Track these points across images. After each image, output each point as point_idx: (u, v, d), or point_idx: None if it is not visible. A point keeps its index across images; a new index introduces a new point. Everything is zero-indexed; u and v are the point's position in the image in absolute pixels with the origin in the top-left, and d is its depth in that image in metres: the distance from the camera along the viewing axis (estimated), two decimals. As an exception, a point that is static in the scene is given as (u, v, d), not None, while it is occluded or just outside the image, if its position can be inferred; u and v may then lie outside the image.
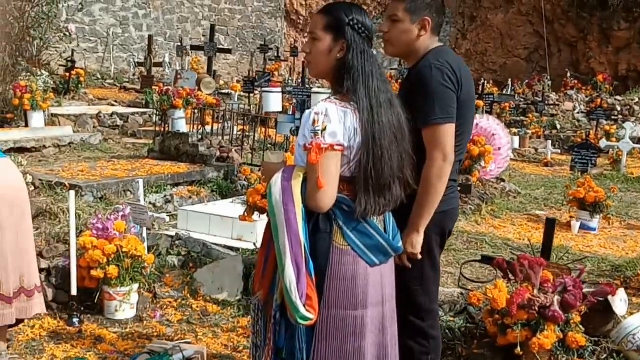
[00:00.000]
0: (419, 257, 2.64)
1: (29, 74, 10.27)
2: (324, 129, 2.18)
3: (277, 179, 2.24)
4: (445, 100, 2.59)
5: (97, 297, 4.06)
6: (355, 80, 2.27)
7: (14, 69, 9.73)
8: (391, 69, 19.53)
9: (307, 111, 2.27)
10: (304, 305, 2.15)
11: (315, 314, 2.18)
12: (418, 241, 2.62)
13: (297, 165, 2.30)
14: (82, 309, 4.02)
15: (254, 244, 4.90)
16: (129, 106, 12.17)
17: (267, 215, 2.30)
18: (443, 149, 2.57)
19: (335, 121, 2.20)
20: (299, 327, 2.22)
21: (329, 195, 2.20)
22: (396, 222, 2.44)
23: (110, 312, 4.01)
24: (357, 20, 2.31)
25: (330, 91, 2.44)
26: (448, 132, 2.59)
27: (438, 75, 2.59)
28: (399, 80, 14.42)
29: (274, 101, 10.17)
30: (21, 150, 7.95)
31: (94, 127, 10.16)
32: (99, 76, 15.43)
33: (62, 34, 11.44)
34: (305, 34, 22.18)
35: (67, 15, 14.45)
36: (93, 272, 3.96)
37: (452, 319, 3.85)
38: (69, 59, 12.60)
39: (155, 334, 3.83)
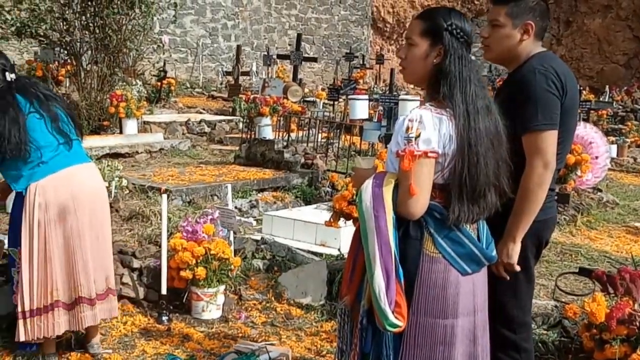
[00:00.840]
0: (517, 268, 2.56)
1: (124, 83, 10.73)
2: (418, 136, 2.16)
3: (367, 185, 2.22)
4: (549, 106, 2.51)
5: (185, 297, 4.17)
6: (452, 86, 2.24)
7: (111, 78, 10.21)
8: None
9: (401, 117, 2.25)
10: (393, 312, 2.12)
11: (404, 321, 2.16)
12: (515, 251, 2.54)
13: (388, 171, 2.28)
14: (171, 307, 4.13)
15: (338, 249, 4.90)
16: (216, 114, 12.51)
17: (354, 222, 2.29)
18: (544, 156, 2.48)
19: (429, 128, 2.17)
20: (387, 334, 2.21)
21: (421, 202, 2.17)
22: (490, 230, 2.37)
23: (197, 311, 4.11)
24: (455, 25, 2.27)
25: (418, 98, 2.40)
26: (550, 139, 2.50)
27: (542, 80, 2.51)
28: (491, 87, 14.07)
29: (360, 108, 10.20)
30: (116, 155, 8.30)
31: (183, 134, 10.50)
32: (188, 85, 15.95)
33: (155, 45, 11.89)
34: (392, 42, 22.13)
35: (160, 27, 15.05)
36: (182, 273, 4.06)
37: (545, 332, 3.71)
38: (161, 69, 13.09)
39: (240, 334, 3.89)
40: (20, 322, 3.24)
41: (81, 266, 3.30)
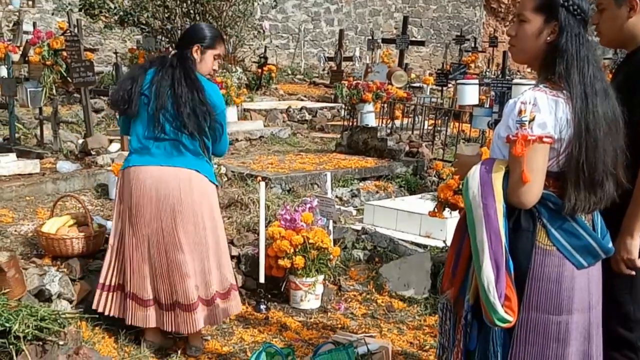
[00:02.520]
0: (639, 263, 2.44)
1: (224, 70, 11.05)
2: (532, 119, 2.11)
3: (475, 172, 2.18)
4: None
5: (283, 286, 4.26)
6: (570, 65, 2.17)
7: (211, 65, 10.55)
8: (605, 58, 18.19)
9: (511, 100, 2.21)
10: (502, 306, 2.09)
11: (514, 316, 2.12)
12: (634, 245, 2.47)
13: (497, 158, 2.22)
14: (269, 296, 4.24)
15: (444, 241, 4.84)
16: (318, 101, 12.62)
17: (460, 213, 2.25)
18: None
19: (545, 111, 2.11)
20: (494, 330, 2.18)
21: (534, 190, 2.12)
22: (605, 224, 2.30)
23: (295, 301, 4.19)
24: (572, 1, 2.19)
25: (533, 82, 2.32)
26: None
27: None
28: (613, 70, 13.36)
29: (470, 94, 9.91)
30: (216, 143, 8.57)
31: (283, 121, 10.69)
32: (289, 72, 16.20)
33: (256, 31, 12.17)
34: (506, 23, 21.45)
35: (261, 13, 15.38)
36: (280, 262, 4.15)
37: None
38: (262, 55, 13.39)
39: (339, 325, 3.93)
40: (97, 291, 3.62)
41: (160, 272, 3.44)
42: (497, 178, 2.14)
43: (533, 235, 2.16)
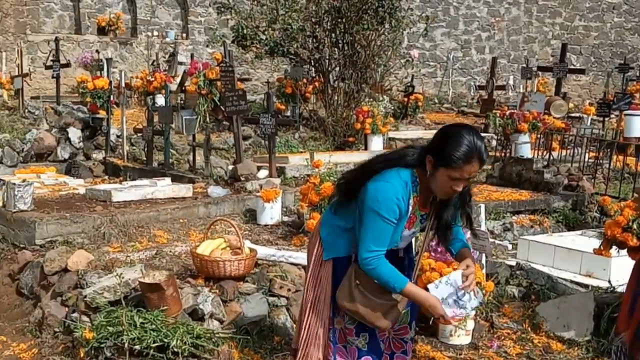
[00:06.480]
0: None
1: (371, 99, 11.29)
2: None
3: None
4: None
5: (432, 319, 4.25)
6: None
7: (358, 94, 10.83)
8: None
9: None
10: None
11: None
12: None
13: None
14: (417, 329, 4.24)
15: (608, 281, 4.65)
16: (468, 131, 12.52)
17: (629, 251, 2.19)
18: None
19: None
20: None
21: None
22: None
23: (444, 335, 4.18)
24: None
25: None
26: None
27: None
28: None
29: (638, 125, 9.55)
30: (361, 172, 8.75)
31: (431, 151, 10.70)
32: (436, 100, 16.20)
33: (404, 60, 12.34)
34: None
35: (408, 41, 15.56)
36: (429, 293, 4.16)
37: None
38: (409, 84, 13.51)
39: (492, 364, 3.88)
40: None
41: None
42: None
43: None
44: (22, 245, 5.45)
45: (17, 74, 11.80)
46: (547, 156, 8.55)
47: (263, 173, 7.14)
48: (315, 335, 3.11)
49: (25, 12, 15.20)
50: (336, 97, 10.84)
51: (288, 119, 10.74)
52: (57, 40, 12.32)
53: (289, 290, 4.47)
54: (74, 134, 9.90)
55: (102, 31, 15.95)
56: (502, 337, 4.24)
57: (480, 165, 2.81)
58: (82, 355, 3.84)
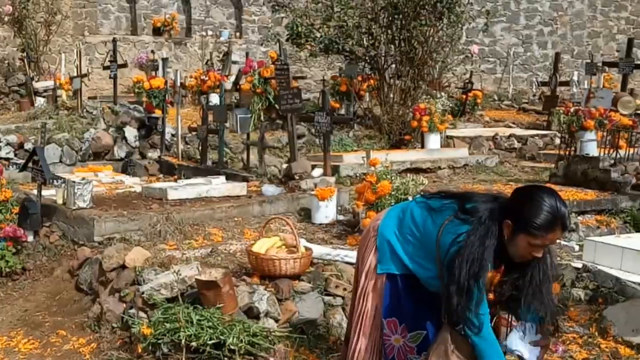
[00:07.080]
0: None
1: (428, 96, 11.18)
2: None
3: None
4: None
5: (494, 321, 4.17)
6: None
7: (414, 92, 10.73)
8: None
9: None
10: None
11: None
12: None
13: None
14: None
15: (681, 284, 4.48)
16: (528, 128, 12.28)
17: None
18: None
19: None
20: None
21: None
22: None
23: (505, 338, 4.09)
24: None
25: None
26: None
27: None
28: None
29: None
30: (416, 170, 8.66)
31: (489, 149, 10.53)
32: (496, 97, 15.97)
33: (463, 56, 12.18)
34: None
35: (467, 37, 15.37)
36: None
37: None
38: (467, 80, 13.33)
39: (557, 369, 3.78)
40: None
41: None
42: None
43: None
44: (81, 242, 5.60)
45: (75, 74, 12.11)
46: (613, 154, 8.32)
47: (317, 172, 7.14)
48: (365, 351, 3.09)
49: (84, 14, 15.61)
50: (392, 95, 10.75)
51: (344, 117, 10.74)
52: (114, 41, 12.61)
53: (344, 289, 4.46)
54: (130, 133, 10.12)
55: (157, 32, 16.27)
56: (568, 342, 4.14)
57: (563, 232, 2.76)
58: (139, 350, 3.91)
